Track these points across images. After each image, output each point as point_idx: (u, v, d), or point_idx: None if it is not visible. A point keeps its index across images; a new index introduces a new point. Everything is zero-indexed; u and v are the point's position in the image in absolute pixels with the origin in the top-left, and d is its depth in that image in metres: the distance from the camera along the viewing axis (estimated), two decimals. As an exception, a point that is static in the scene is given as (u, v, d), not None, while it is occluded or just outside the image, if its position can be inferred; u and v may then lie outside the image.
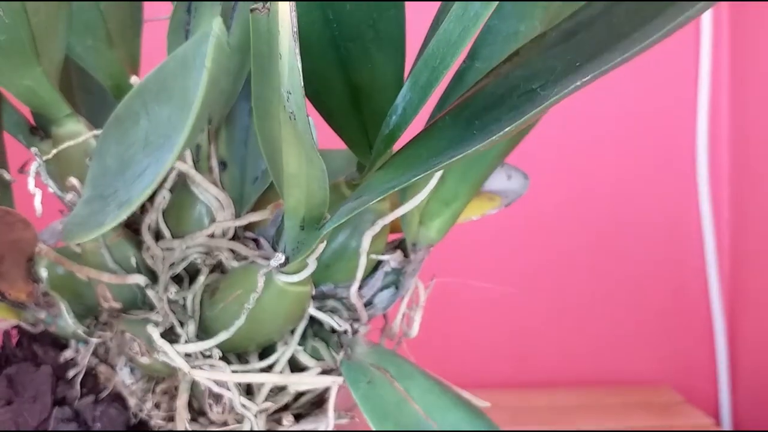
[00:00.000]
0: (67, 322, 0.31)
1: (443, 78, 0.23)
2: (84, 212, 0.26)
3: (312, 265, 0.27)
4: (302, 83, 0.21)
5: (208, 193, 0.30)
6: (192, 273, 0.31)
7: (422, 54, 0.24)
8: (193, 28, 0.31)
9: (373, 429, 0.26)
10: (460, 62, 0.28)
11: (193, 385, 0.30)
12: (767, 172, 0.71)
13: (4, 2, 0.27)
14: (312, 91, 0.28)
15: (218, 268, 0.31)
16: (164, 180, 0.31)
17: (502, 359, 0.76)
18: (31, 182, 0.28)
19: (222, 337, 0.27)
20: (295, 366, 0.30)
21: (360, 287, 0.30)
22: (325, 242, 0.27)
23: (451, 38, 0.22)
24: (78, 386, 0.32)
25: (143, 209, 0.32)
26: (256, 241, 0.31)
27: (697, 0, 0.18)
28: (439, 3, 0.28)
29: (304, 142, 0.23)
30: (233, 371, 0.28)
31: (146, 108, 0.25)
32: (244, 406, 0.28)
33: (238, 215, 0.31)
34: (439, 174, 0.29)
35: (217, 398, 0.28)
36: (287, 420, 0.30)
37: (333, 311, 0.30)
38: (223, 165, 0.32)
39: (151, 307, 0.30)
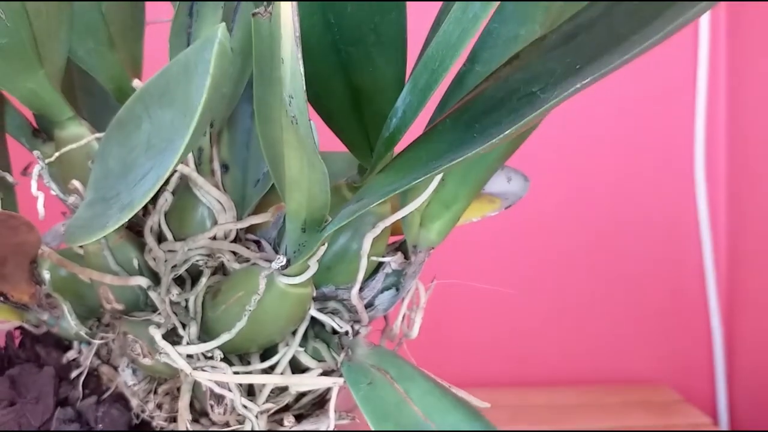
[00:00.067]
0: (70, 323, 0.31)
1: (442, 80, 0.23)
2: (86, 215, 0.26)
3: (313, 267, 0.27)
4: (304, 87, 0.21)
5: (210, 195, 0.30)
6: (194, 275, 0.31)
7: (422, 56, 0.25)
8: (195, 32, 0.31)
9: (373, 430, 0.26)
10: (460, 65, 0.28)
11: (195, 386, 0.30)
12: (764, 172, 0.71)
13: (5, 5, 0.27)
14: (313, 95, 0.28)
15: (220, 270, 0.31)
16: (166, 182, 0.31)
17: (502, 359, 0.77)
18: (33, 185, 0.29)
19: (224, 338, 0.28)
20: (296, 367, 0.30)
21: (361, 289, 0.30)
22: (326, 244, 0.27)
23: (450, 40, 0.22)
24: (80, 387, 0.32)
25: (146, 211, 0.32)
26: (257, 243, 0.32)
27: (697, 0, 0.18)
28: (440, 4, 0.28)
29: (305, 146, 0.23)
30: (235, 372, 0.28)
31: (148, 112, 0.25)
32: (245, 406, 0.28)
33: (239, 218, 0.31)
34: (439, 176, 0.30)
35: (219, 399, 0.29)
36: (288, 421, 0.30)
37: (334, 313, 0.30)
38: (225, 168, 0.33)
39: (154, 309, 0.30)
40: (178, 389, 0.30)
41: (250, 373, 0.29)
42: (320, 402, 0.31)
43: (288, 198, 0.25)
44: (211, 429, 0.30)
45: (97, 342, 0.32)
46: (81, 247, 0.31)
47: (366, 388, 0.27)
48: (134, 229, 0.32)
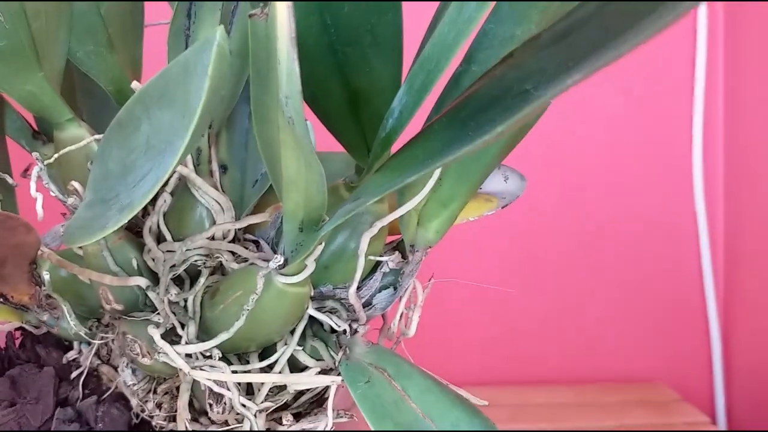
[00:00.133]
0: (69, 324, 0.31)
1: (438, 81, 0.23)
2: (86, 216, 0.26)
3: (311, 267, 0.27)
4: (300, 88, 0.21)
5: (208, 196, 0.30)
6: (193, 275, 0.31)
7: (418, 57, 0.25)
8: (194, 34, 0.31)
9: (372, 428, 0.26)
10: (456, 66, 0.29)
11: (194, 386, 0.30)
12: (762, 172, 0.72)
13: (4, 7, 0.28)
14: (310, 96, 0.28)
15: (218, 270, 0.31)
16: (165, 183, 0.31)
17: (501, 358, 0.77)
18: (32, 186, 0.29)
19: (222, 337, 0.28)
20: (294, 366, 0.30)
21: (358, 288, 0.30)
22: (323, 244, 0.28)
23: (445, 41, 0.23)
24: (80, 387, 0.33)
25: (145, 212, 0.32)
26: (256, 242, 0.32)
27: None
28: (437, 4, 0.28)
29: (302, 147, 0.23)
30: (233, 371, 0.28)
31: (148, 113, 0.25)
32: (244, 405, 0.28)
33: (238, 218, 0.31)
34: (436, 176, 0.30)
35: (218, 398, 0.29)
36: (287, 419, 0.30)
37: (332, 312, 0.30)
38: (223, 168, 0.33)
39: (153, 309, 0.31)
40: (177, 388, 0.30)
41: (248, 372, 0.29)
42: (319, 400, 0.32)
43: (285, 198, 0.25)
44: (210, 428, 0.30)
45: (96, 342, 0.32)
46: (80, 247, 0.31)
47: (364, 386, 0.28)
48: (133, 229, 0.32)
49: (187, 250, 0.30)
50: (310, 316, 0.30)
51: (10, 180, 0.33)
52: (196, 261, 0.30)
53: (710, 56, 0.75)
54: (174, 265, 0.30)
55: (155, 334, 0.28)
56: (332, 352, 0.30)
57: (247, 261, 0.30)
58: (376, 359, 0.29)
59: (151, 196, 0.23)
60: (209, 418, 0.30)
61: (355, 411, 0.30)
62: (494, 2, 0.25)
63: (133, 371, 0.31)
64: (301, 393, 0.31)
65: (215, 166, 0.32)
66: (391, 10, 0.26)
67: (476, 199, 0.34)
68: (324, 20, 0.26)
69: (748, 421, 0.73)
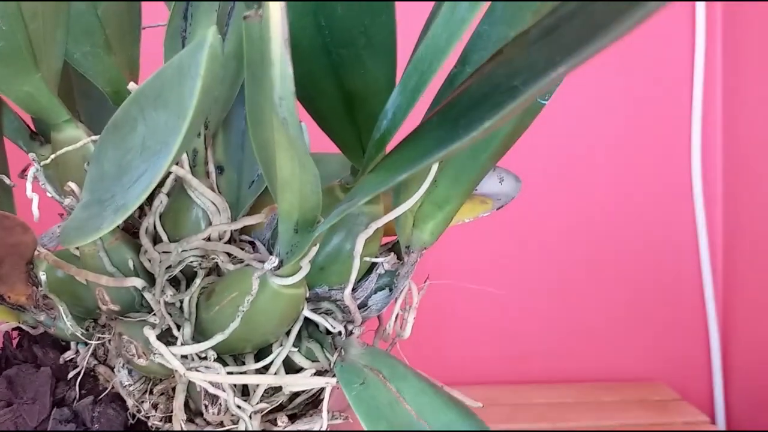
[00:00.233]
0: (66, 324, 0.31)
1: (431, 82, 0.23)
2: (81, 216, 0.26)
3: (305, 268, 0.27)
4: (294, 90, 0.21)
5: (204, 197, 0.31)
6: (189, 276, 0.31)
7: (412, 59, 0.25)
8: (190, 35, 0.31)
9: (366, 430, 0.26)
10: (450, 67, 0.29)
11: (190, 386, 0.30)
12: (760, 172, 0.72)
13: (1, 8, 0.28)
14: (305, 97, 0.28)
15: (214, 270, 0.31)
16: (161, 184, 0.32)
17: (500, 357, 0.77)
18: (28, 187, 0.29)
19: (217, 339, 0.28)
20: (290, 367, 0.30)
21: (354, 289, 0.30)
22: (318, 245, 0.28)
23: (438, 43, 0.22)
24: (77, 387, 0.33)
25: (141, 213, 0.32)
26: (252, 243, 0.32)
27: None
28: (432, 5, 0.28)
29: (296, 148, 0.23)
30: (229, 372, 0.29)
31: (143, 114, 0.25)
32: (239, 407, 0.28)
33: (234, 218, 0.32)
34: (432, 177, 0.30)
35: (213, 399, 0.29)
36: (282, 420, 0.30)
37: (327, 313, 0.30)
38: (220, 169, 0.33)
39: (149, 310, 0.31)
40: (173, 389, 0.31)
41: (243, 373, 0.29)
42: (314, 402, 0.32)
43: (280, 199, 0.25)
44: (206, 429, 0.30)
45: (93, 343, 0.32)
46: (77, 248, 0.31)
47: (359, 388, 0.28)
48: (130, 230, 0.32)
49: (182, 251, 0.30)
50: (306, 318, 0.30)
51: (7, 180, 0.34)
52: (191, 262, 0.30)
53: (708, 56, 0.75)
54: (170, 266, 0.30)
55: (151, 335, 0.28)
56: (327, 354, 0.30)
57: (242, 262, 0.30)
58: (372, 361, 0.29)
59: (145, 197, 0.23)
60: (205, 419, 0.30)
61: (350, 412, 0.30)
62: (487, 3, 0.25)
63: (130, 372, 0.31)
64: (296, 394, 0.31)
65: (212, 167, 0.32)
66: (385, 12, 0.26)
67: (472, 200, 0.34)
68: (318, 21, 0.26)
69: (747, 421, 0.73)
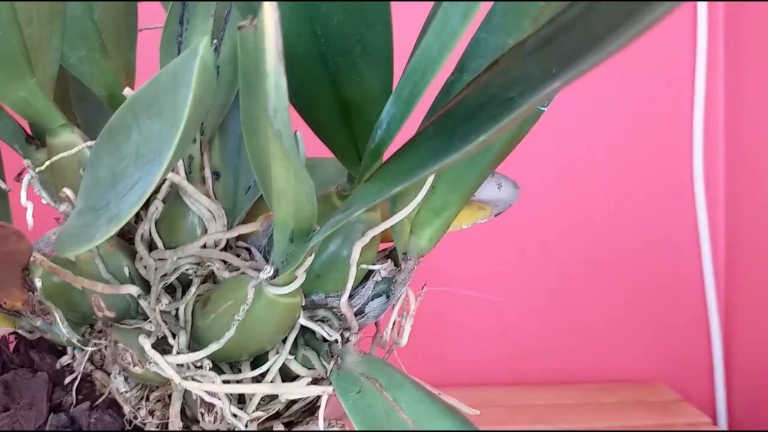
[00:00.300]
0: (62, 330, 0.31)
1: (424, 93, 0.23)
2: (76, 224, 0.26)
3: (301, 278, 0.27)
4: (288, 102, 0.21)
5: (200, 204, 0.30)
6: (184, 283, 0.31)
7: (405, 69, 0.25)
8: (186, 40, 0.31)
9: (362, 438, 0.26)
10: (447, 75, 0.28)
11: (186, 394, 0.30)
12: (762, 172, 0.71)
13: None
14: (301, 105, 0.28)
15: (210, 278, 0.31)
16: (157, 191, 0.31)
17: (501, 358, 0.77)
18: (23, 195, 0.29)
19: (213, 347, 0.28)
20: (286, 375, 0.30)
21: (351, 297, 0.30)
22: (313, 255, 0.28)
23: (431, 54, 0.22)
24: (74, 393, 0.33)
25: (137, 219, 0.32)
26: (248, 250, 0.32)
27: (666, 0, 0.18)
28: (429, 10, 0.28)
29: (291, 159, 0.23)
30: (224, 381, 0.28)
31: (138, 121, 0.25)
32: (235, 415, 0.28)
33: (230, 225, 0.31)
34: (429, 184, 0.30)
35: (209, 407, 0.29)
36: (278, 428, 0.30)
37: (324, 321, 0.30)
38: (216, 175, 0.33)
39: (145, 317, 0.31)
40: (170, 396, 0.30)
41: (239, 382, 0.29)
42: (310, 409, 0.32)
43: (275, 208, 0.25)
44: (202, 436, 0.30)
45: (89, 349, 0.32)
46: (73, 254, 0.31)
47: (355, 396, 0.28)
48: (126, 236, 0.32)
49: (178, 258, 0.30)
50: (302, 325, 0.30)
51: (3, 185, 0.33)
52: (187, 270, 0.30)
53: (710, 56, 0.74)
54: (165, 274, 0.30)
55: (146, 344, 0.28)
56: (324, 362, 0.30)
57: (238, 270, 0.30)
58: (368, 369, 0.29)
59: (138, 207, 0.23)
60: (201, 427, 0.30)
61: (347, 420, 0.30)
62: (482, 13, 0.25)
63: (126, 378, 0.31)
64: (292, 402, 0.31)
65: (208, 173, 0.32)
66: (380, 22, 0.25)
67: (469, 206, 0.34)
68: (314, 30, 0.26)
69: (749, 422, 0.73)
